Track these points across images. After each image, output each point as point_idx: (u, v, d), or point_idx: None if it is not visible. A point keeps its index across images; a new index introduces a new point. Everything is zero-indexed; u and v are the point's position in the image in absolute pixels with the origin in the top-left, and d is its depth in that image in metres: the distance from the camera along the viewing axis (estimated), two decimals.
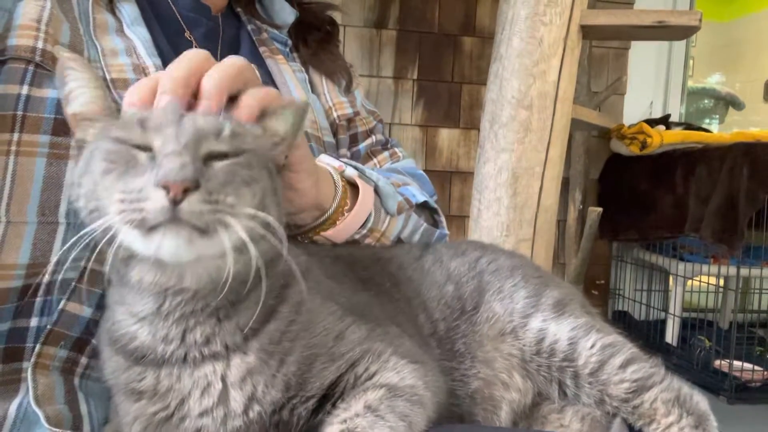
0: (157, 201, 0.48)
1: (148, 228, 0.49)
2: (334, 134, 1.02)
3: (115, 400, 0.62)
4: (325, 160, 0.86)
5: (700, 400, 0.67)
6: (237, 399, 0.57)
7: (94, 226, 0.51)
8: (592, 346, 0.70)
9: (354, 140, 1.07)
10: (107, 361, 0.61)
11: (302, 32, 1.06)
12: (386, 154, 1.11)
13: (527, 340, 0.72)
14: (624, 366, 0.68)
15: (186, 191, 0.48)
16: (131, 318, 0.58)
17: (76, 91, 0.59)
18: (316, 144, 0.95)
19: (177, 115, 0.55)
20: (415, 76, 2.95)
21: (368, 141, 1.08)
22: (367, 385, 0.58)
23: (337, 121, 1.03)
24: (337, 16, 1.15)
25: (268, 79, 0.95)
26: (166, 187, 0.48)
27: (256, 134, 0.60)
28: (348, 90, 1.10)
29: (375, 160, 1.09)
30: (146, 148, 0.53)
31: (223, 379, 0.56)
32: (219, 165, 0.53)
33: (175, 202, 0.48)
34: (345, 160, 0.90)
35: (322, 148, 0.96)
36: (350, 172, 0.85)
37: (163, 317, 0.56)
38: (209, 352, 0.56)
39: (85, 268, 0.68)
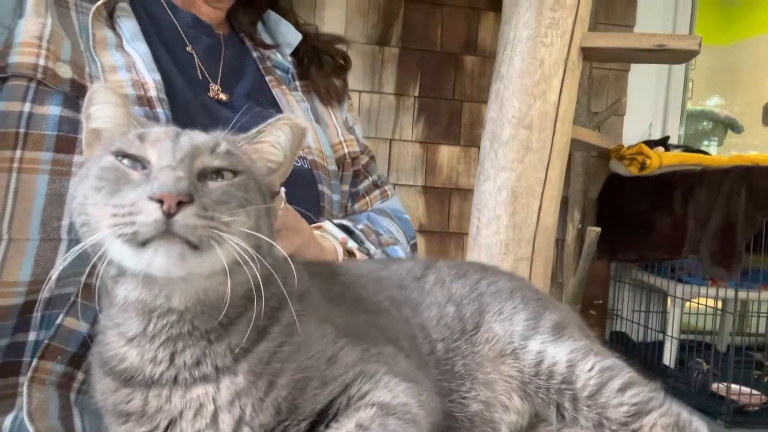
0: (150, 214, 0.48)
1: (141, 242, 0.49)
2: (341, 168, 1.04)
3: (105, 423, 0.62)
4: (331, 231, 0.93)
5: (699, 426, 0.67)
6: (225, 421, 0.56)
7: (85, 242, 0.51)
8: (591, 369, 0.69)
9: (357, 176, 1.12)
10: (97, 383, 0.60)
11: (316, 56, 1.08)
12: (377, 192, 1.17)
13: (526, 362, 0.71)
14: (623, 389, 0.68)
15: (180, 204, 0.48)
16: (121, 339, 0.57)
17: (99, 111, 0.59)
18: (322, 172, 0.97)
19: (175, 133, 0.55)
20: (416, 93, 2.97)
21: (365, 183, 1.15)
22: (359, 405, 0.58)
23: (347, 158, 1.05)
24: (312, 30, 1.17)
25: (275, 109, 0.97)
26: (160, 200, 0.48)
27: (251, 157, 0.60)
28: (340, 103, 1.14)
29: (368, 199, 1.15)
30: (142, 161, 0.53)
31: (214, 401, 0.56)
32: (215, 184, 0.54)
33: (169, 215, 0.48)
34: (348, 224, 0.98)
35: (327, 176, 0.98)
36: (351, 244, 0.94)
37: (149, 339, 0.55)
38: (200, 374, 0.56)
39: (85, 283, 0.68)
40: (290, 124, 0.62)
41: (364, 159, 1.15)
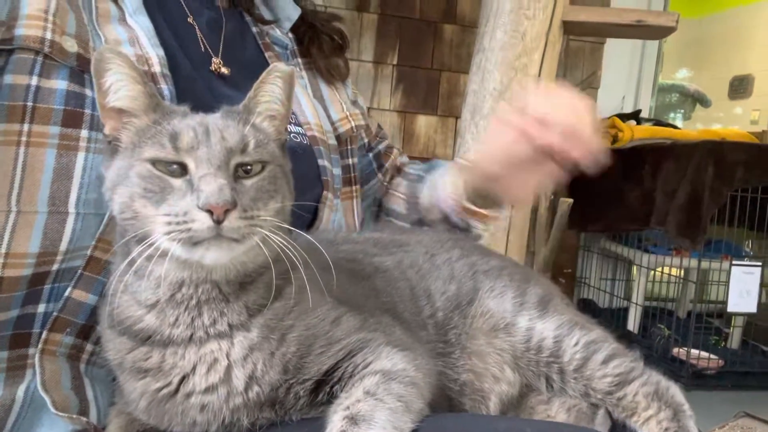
0: (203, 222, 0.54)
1: (193, 243, 0.55)
2: (346, 142, 1.05)
3: (120, 380, 0.65)
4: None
5: (675, 392, 0.73)
6: (239, 377, 0.60)
7: (132, 234, 0.57)
8: (576, 344, 0.74)
9: (371, 143, 1.17)
10: (110, 342, 0.63)
11: (317, 36, 1.09)
12: (396, 151, 1.22)
13: (518, 338, 0.76)
14: (606, 361, 0.73)
15: (226, 211, 0.54)
16: (137, 305, 0.61)
17: (117, 84, 0.61)
18: (322, 147, 0.98)
19: (204, 132, 0.59)
20: (395, 62, 2.96)
21: (384, 143, 1.20)
22: (364, 373, 0.62)
23: (354, 131, 1.07)
24: (309, 5, 1.16)
25: None
26: (209, 210, 0.54)
27: (261, 126, 0.65)
28: (343, 81, 1.15)
29: (392, 157, 1.20)
30: (180, 165, 0.57)
31: (228, 356, 0.60)
32: (249, 182, 0.59)
33: (219, 222, 0.55)
34: None
35: (327, 150, 0.99)
36: None
37: (176, 304, 0.59)
38: (215, 331, 0.60)
39: (90, 256, 0.70)
40: (279, 73, 0.66)
41: (374, 127, 1.19)
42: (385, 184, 1.18)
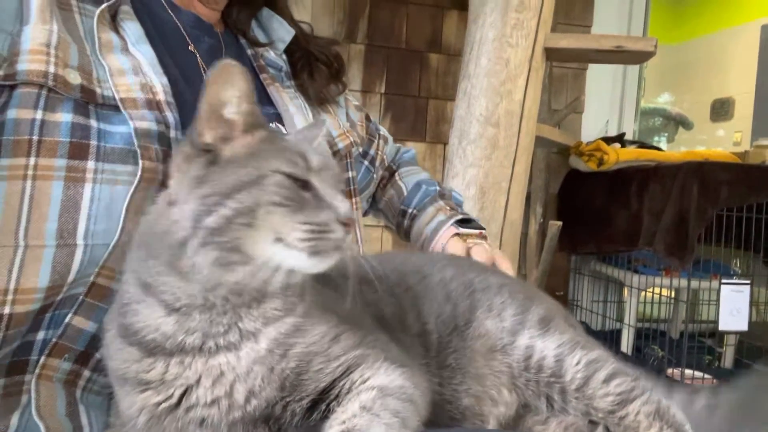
0: (340, 232, 0.61)
1: (318, 252, 0.59)
2: (346, 155, 1.08)
3: (121, 394, 0.64)
4: (469, 233, 1.12)
5: (676, 412, 0.72)
6: (240, 391, 0.59)
7: (230, 239, 0.58)
8: (578, 363, 0.74)
9: (364, 149, 1.23)
10: (118, 352, 0.62)
11: (308, 65, 1.09)
12: (380, 142, 1.28)
13: (515, 357, 0.75)
14: (608, 380, 0.73)
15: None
16: (161, 309, 0.60)
17: (236, 102, 0.63)
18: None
19: (325, 158, 0.66)
20: (382, 90, 3.00)
21: (373, 146, 1.26)
22: (361, 389, 0.62)
23: (353, 145, 1.10)
24: (306, 28, 1.17)
25: (270, 106, 0.98)
26: (345, 224, 0.61)
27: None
28: (336, 103, 1.18)
29: (379, 153, 1.27)
30: (307, 184, 0.62)
31: (234, 370, 0.59)
32: None
33: (346, 234, 0.61)
34: (463, 215, 1.16)
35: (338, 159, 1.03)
36: (485, 232, 1.16)
37: (208, 308, 0.60)
38: (225, 342, 0.60)
39: (93, 283, 0.69)
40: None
41: (365, 125, 1.24)
42: (377, 179, 1.27)
